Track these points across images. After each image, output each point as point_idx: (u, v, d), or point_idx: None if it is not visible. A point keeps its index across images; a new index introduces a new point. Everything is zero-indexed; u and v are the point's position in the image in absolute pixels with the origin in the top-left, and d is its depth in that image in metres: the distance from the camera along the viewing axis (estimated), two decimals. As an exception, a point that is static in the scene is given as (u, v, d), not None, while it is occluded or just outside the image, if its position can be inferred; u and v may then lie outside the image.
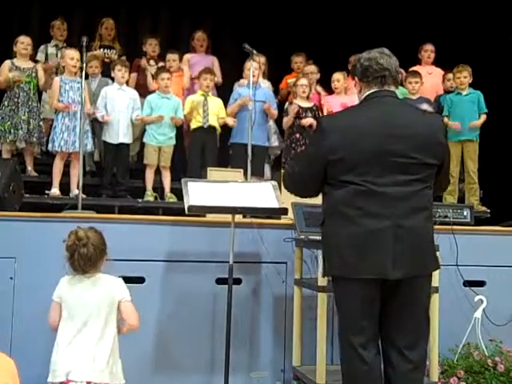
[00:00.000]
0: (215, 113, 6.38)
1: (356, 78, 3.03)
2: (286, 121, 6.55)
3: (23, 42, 6.25)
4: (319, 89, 7.10)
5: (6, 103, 6.12)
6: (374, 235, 2.76)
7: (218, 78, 7.11)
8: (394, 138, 2.81)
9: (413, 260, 2.79)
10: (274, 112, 6.61)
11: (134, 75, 6.87)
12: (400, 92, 5.85)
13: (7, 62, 6.20)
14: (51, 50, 6.91)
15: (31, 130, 6.10)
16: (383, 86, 2.94)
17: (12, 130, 6.03)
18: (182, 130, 6.56)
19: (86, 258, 3.11)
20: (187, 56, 7.18)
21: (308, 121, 6.42)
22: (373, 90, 2.95)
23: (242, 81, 6.79)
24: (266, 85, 6.83)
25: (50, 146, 5.99)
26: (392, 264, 2.75)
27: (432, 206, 2.94)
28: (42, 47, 6.86)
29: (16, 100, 6.09)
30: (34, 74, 6.23)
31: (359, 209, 2.78)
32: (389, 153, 2.79)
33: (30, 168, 6.33)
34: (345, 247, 2.80)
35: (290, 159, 6.15)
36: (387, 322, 2.89)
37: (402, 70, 6.18)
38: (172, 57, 6.89)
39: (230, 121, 6.38)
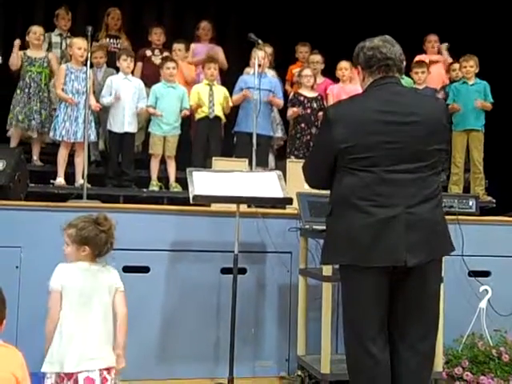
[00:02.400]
0: (220, 102, 6.37)
1: (359, 67, 3.01)
2: (290, 114, 6.53)
3: (36, 33, 6.25)
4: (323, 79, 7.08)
5: (18, 91, 6.15)
6: (386, 223, 2.73)
7: (224, 65, 7.10)
8: (401, 125, 2.79)
9: (427, 246, 2.76)
10: (279, 101, 6.59)
11: (139, 65, 6.85)
12: (405, 82, 5.83)
13: (19, 53, 6.21)
14: (55, 38, 6.89)
15: (43, 121, 6.13)
16: (387, 73, 2.92)
17: (25, 120, 6.05)
18: (189, 120, 6.54)
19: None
20: (192, 46, 7.17)
21: (294, 111, 6.46)
22: (377, 77, 2.93)
23: (247, 69, 6.77)
24: (270, 74, 6.81)
25: (51, 133, 6.00)
26: (406, 251, 2.72)
27: (441, 191, 2.92)
28: (46, 36, 6.82)
29: (27, 90, 6.12)
30: (45, 64, 6.23)
31: (369, 197, 2.76)
32: (396, 141, 2.77)
33: (35, 157, 6.34)
34: (357, 236, 2.76)
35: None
36: (397, 313, 2.85)
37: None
38: (178, 46, 6.89)
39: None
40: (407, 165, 2.78)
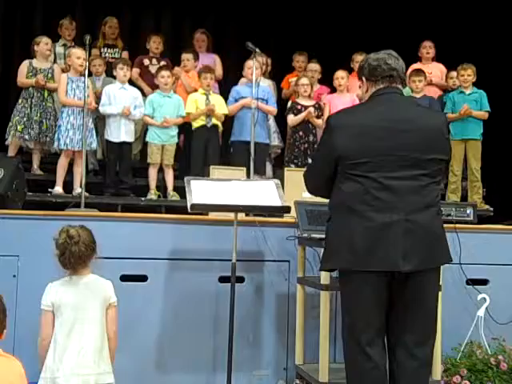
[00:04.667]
0: (217, 110, 6.37)
1: (363, 78, 3.07)
2: (295, 120, 6.54)
3: (47, 43, 6.30)
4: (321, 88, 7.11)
5: (19, 101, 6.17)
6: (383, 229, 2.77)
7: (219, 74, 7.12)
8: (402, 133, 2.84)
9: (423, 253, 2.80)
10: (271, 108, 6.59)
11: (136, 70, 6.88)
12: (404, 91, 5.85)
13: (25, 64, 6.23)
14: (59, 49, 6.92)
15: (44, 131, 6.14)
16: (391, 84, 2.98)
17: (24, 130, 6.06)
18: (184, 128, 6.56)
19: (76, 257, 3.08)
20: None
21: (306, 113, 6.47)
22: (379, 87, 2.98)
23: (242, 79, 6.79)
24: (266, 83, 6.83)
25: (55, 144, 6.01)
26: (402, 257, 2.75)
27: (440, 201, 2.95)
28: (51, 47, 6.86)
29: (30, 100, 6.14)
30: (50, 75, 6.25)
31: (368, 203, 2.79)
32: (397, 148, 2.82)
33: (35, 166, 6.34)
34: (355, 241, 2.79)
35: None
36: (395, 319, 2.88)
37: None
38: (186, 56, 6.90)
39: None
40: (406, 172, 2.81)
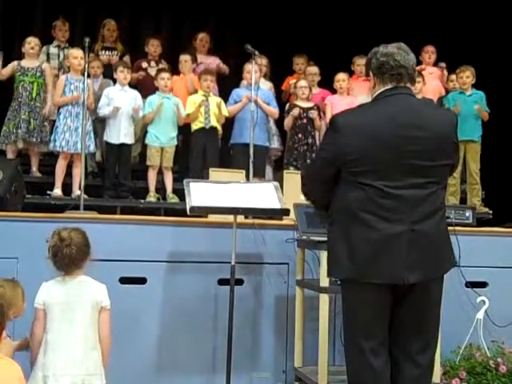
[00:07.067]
0: (215, 112, 6.38)
1: (371, 73, 2.93)
2: (287, 122, 6.57)
3: (30, 43, 6.29)
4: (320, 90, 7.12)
5: (12, 104, 6.16)
6: (388, 240, 2.70)
7: (225, 71, 7.27)
8: (411, 140, 2.73)
9: (428, 264, 2.74)
10: (273, 110, 6.62)
11: (135, 75, 6.88)
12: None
13: (13, 63, 6.25)
14: (53, 50, 6.93)
15: (31, 130, 6.10)
16: (399, 83, 2.85)
17: (14, 130, 6.06)
18: (187, 131, 6.56)
19: (68, 259, 3.10)
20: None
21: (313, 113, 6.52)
22: (388, 87, 2.86)
23: (243, 82, 6.79)
24: (267, 86, 6.85)
25: (51, 145, 6.01)
26: (406, 269, 2.69)
27: (445, 205, 2.89)
28: (44, 48, 6.85)
29: (19, 100, 6.12)
30: (38, 74, 6.23)
31: (373, 212, 2.71)
32: (405, 155, 2.72)
33: (34, 169, 6.34)
34: (358, 251, 2.73)
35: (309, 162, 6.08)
36: (398, 327, 2.82)
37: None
38: (184, 57, 6.91)
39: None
40: (413, 180, 2.73)
